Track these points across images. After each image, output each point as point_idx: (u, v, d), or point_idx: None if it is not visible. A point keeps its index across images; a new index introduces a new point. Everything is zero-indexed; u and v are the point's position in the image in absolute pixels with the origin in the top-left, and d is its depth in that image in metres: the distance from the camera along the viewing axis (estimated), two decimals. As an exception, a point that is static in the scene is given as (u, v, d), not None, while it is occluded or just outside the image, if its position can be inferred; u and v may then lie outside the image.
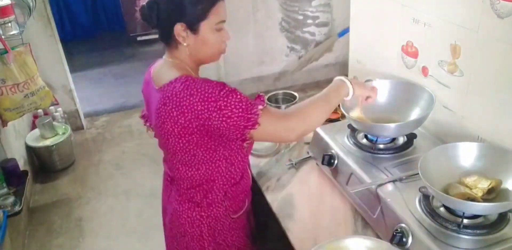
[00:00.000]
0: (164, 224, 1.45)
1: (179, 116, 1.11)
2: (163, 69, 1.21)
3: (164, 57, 1.24)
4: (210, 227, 1.30)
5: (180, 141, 1.16)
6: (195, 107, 1.08)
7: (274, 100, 1.85)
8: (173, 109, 1.11)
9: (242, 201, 1.36)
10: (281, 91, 1.88)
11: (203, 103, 1.07)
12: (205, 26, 1.15)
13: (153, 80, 1.22)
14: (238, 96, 1.09)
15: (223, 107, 1.07)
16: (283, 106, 1.74)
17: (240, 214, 1.36)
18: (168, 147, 1.21)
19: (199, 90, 1.08)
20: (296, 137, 1.17)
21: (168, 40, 1.19)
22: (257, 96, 1.15)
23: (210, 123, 1.09)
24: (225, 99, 1.07)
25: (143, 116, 1.46)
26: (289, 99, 1.82)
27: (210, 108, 1.07)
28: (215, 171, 1.24)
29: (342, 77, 1.28)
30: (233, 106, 1.08)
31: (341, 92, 1.26)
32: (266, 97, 1.82)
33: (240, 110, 1.08)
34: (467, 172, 1.18)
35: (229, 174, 1.26)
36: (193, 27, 1.15)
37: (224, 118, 1.08)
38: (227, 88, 1.09)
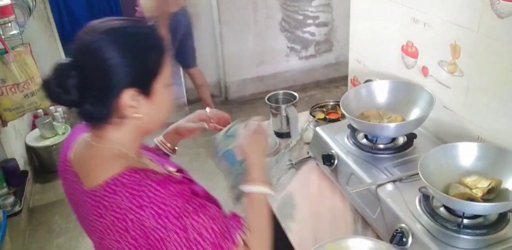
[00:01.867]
0: None
1: (124, 233, 0.81)
2: (90, 161, 0.89)
3: (88, 139, 0.91)
4: None
5: None
6: (147, 223, 0.79)
7: (274, 100, 1.85)
8: (116, 222, 0.81)
9: None
10: (281, 91, 1.87)
11: (159, 219, 0.79)
12: (159, 85, 0.87)
13: (74, 170, 0.92)
14: (210, 217, 0.82)
15: (189, 228, 0.80)
16: (283, 106, 1.74)
17: None
18: None
19: (155, 198, 0.80)
20: None
21: (105, 118, 0.86)
22: (232, 216, 0.90)
23: (164, 244, 0.80)
24: (194, 216, 0.80)
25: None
26: (289, 99, 1.82)
27: (169, 227, 0.79)
28: None
29: (246, 189, 1.00)
30: (203, 229, 0.81)
31: (264, 197, 1.01)
32: (266, 97, 1.82)
33: (212, 236, 0.81)
34: (467, 172, 1.18)
35: None
36: (146, 90, 0.85)
37: (186, 243, 0.80)
38: (194, 202, 0.82)
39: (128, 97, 0.83)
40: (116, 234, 0.82)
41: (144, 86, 0.85)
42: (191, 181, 1.02)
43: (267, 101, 1.80)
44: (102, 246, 0.87)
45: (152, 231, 0.79)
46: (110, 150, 0.88)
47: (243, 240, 0.87)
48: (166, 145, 1.23)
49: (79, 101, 0.83)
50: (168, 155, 1.25)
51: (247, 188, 1.00)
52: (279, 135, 1.82)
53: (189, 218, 0.80)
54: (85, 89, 0.82)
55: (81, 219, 0.97)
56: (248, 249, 0.87)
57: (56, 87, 0.82)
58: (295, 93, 1.82)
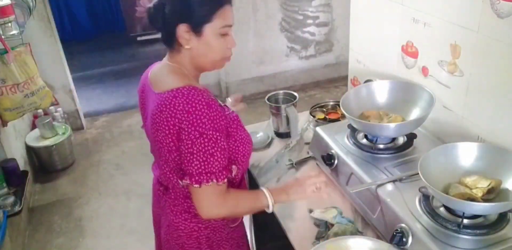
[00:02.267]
0: (158, 236, 1.40)
1: (173, 127, 1.07)
2: (163, 73, 1.17)
3: (164, 60, 1.20)
4: (209, 238, 1.25)
5: (169, 152, 1.12)
6: (188, 123, 1.05)
7: (274, 100, 1.85)
8: (169, 119, 1.07)
9: None
10: (281, 91, 1.88)
11: (190, 126, 1.04)
12: (209, 29, 1.10)
13: (150, 82, 1.18)
14: (216, 152, 1.06)
15: (200, 143, 1.05)
16: (283, 106, 1.74)
17: (239, 223, 1.34)
18: (160, 155, 1.16)
19: (196, 114, 1.05)
20: (210, 217, 1.18)
21: (171, 42, 1.14)
22: (227, 171, 1.10)
23: (181, 145, 1.08)
24: (207, 141, 1.05)
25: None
26: (289, 99, 1.82)
27: (191, 135, 1.05)
28: None
29: (264, 190, 1.19)
30: (203, 151, 1.05)
31: (263, 204, 1.19)
32: (266, 97, 1.83)
33: (201, 161, 1.06)
34: (467, 172, 1.18)
35: None
36: (196, 29, 1.09)
37: (187, 153, 1.07)
38: (216, 135, 1.06)
39: (182, 30, 1.09)
40: (170, 127, 1.07)
41: (195, 26, 1.09)
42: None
43: (267, 101, 1.80)
44: (156, 136, 1.12)
45: (182, 132, 1.06)
46: (176, 68, 1.15)
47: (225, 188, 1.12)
48: None
49: (161, 26, 1.12)
50: None
51: (265, 190, 1.20)
52: (279, 134, 1.82)
53: (206, 138, 1.05)
54: (165, 19, 1.10)
55: (144, 114, 1.25)
56: (213, 192, 1.09)
57: (151, 16, 1.13)
58: (295, 93, 1.82)
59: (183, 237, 1.25)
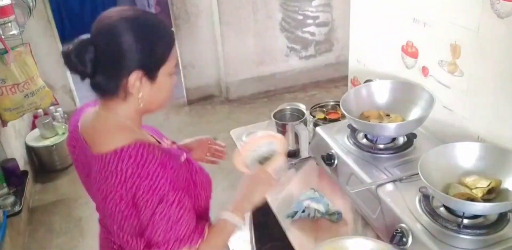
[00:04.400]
0: None
1: (126, 194, 0.93)
2: (100, 128, 1.01)
3: (95, 108, 1.04)
4: None
5: (128, 218, 0.95)
6: (144, 190, 0.92)
7: (279, 117, 1.70)
8: (119, 186, 0.93)
9: None
10: (288, 107, 1.72)
11: (147, 193, 0.92)
12: (163, 72, 0.99)
13: (83, 137, 1.03)
14: (182, 215, 0.95)
15: (162, 207, 0.93)
16: (292, 124, 1.61)
17: None
18: (112, 221, 0.98)
19: (152, 172, 0.93)
20: None
21: (113, 91, 0.98)
22: (199, 231, 0.99)
23: (141, 213, 0.94)
24: (168, 206, 0.94)
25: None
26: (298, 116, 1.67)
27: (150, 202, 0.93)
28: None
29: (227, 216, 1.05)
30: (166, 218, 0.94)
31: (234, 228, 1.07)
32: (272, 114, 1.70)
33: (168, 230, 0.94)
34: (467, 172, 1.18)
35: None
36: (150, 75, 0.97)
37: (150, 222, 0.94)
38: (177, 196, 0.94)
39: (135, 78, 0.95)
40: (116, 194, 0.93)
41: (150, 71, 0.97)
42: (186, 151, 1.15)
43: (273, 119, 1.70)
44: (104, 199, 0.96)
45: (139, 199, 0.92)
46: (116, 121, 1.00)
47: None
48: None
49: (92, 73, 0.96)
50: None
51: (227, 214, 1.06)
52: (287, 154, 1.59)
53: (168, 202, 0.94)
54: (99, 64, 0.94)
55: (86, 183, 1.10)
56: None
57: (74, 58, 0.93)
58: (303, 109, 1.72)
59: None
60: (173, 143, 1.21)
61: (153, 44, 0.96)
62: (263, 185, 1.14)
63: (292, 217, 1.36)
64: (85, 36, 0.96)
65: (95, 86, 0.99)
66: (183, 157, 1.06)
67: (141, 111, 1.03)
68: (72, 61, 0.94)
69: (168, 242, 0.95)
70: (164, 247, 0.95)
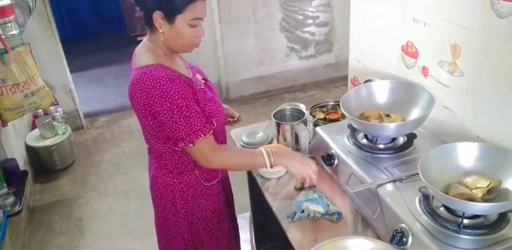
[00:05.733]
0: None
1: (140, 100, 1.23)
2: (141, 51, 1.33)
3: (144, 39, 1.35)
4: (183, 192, 1.43)
5: (145, 119, 1.29)
6: (158, 97, 1.20)
7: (279, 117, 1.71)
8: (137, 92, 1.23)
9: (214, 171, 1.46)
10: (288, 107, 1.73)
11: (160, 99, 1.20)
12: (181, 20, 1.23)
13: (134, 59, 1.33)
14: (192, 114, 1.23)
15: (175, 112, 1.22)
16: (292, 124, 1.61)
17: (214, 183, 1.47)
18: (140, 121, 1.35)
19: (162, 88, 1.20)
20: (209, 168, 1.37)
21: (149, 24, 1.28)
22: (209, 124, 1.29)
23: (159, 117, 1.24)
24: (179, 109, 1.22)
25: None
26: (298, 116, 1.68)
27: (164, 106, 1.21)
28: None
29: (263, 150, 1.33)
30: (181, 116, 1.22)
31: (262, 162, 1.33)
32: (272, 114, 1.72)
33: (184, 124, 1.23)
34: (467, 172, 1.18)
35: None
36: (169, 18, 1.23)
37: (170, 123, 1.23)
38: (185, 102, 1.22)
39: (157, 16, 1.23)
40: (138, 100, 1.24)
41: (169, 15, 1.23)
42: (209, 88, 1.42)
43: (273, 119, 1.70)
44: (132, 106, 1.30)
45: (154, 105, 1.22)
46: (150, 47, 1.31)
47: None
48: None
49: (143, 8, 1.26)
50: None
51: (264, 149, 1.34)
52: None
53: (178, 106, 1.22)
54: (146, 2, 1.24)
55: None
56: (205, 146, 1.28)
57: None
58: (303, 109, 1.72)
59: (161, 189, 1.45)
60: (204, 79, 1.45)
61: None
62: (301, 159, 1.37)
63: (292, 217, 1.36)
64: None
65: (143, 19, 1.29)
66: (202, 86, 1.36)
67: (168, 46, 1.30)
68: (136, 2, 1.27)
69: (188, 135, 1.24)
70: (187, 139, 1.25)
